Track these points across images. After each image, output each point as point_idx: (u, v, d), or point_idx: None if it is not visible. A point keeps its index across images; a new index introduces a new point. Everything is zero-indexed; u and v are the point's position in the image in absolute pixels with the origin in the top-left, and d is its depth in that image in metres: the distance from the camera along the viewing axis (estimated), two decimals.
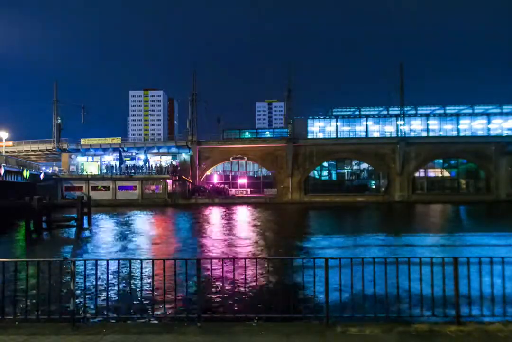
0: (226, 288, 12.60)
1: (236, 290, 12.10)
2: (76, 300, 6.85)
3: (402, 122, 65.48)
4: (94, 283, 7.66)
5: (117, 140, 67.97)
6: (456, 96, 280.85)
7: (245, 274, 7.40)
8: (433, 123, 66.79)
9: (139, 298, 10.92)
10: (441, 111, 69.01)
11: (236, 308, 9.67)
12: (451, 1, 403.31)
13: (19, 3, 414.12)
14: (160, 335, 6.20)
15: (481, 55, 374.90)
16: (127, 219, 39.28)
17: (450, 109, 68.85)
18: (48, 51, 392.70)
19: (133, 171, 61.51)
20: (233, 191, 62.67)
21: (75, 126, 76.70)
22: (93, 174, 61.82)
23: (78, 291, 9.58)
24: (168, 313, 7.36)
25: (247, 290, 11.72)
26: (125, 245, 23.32)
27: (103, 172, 63.22)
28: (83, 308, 8.46)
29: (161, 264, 6.88)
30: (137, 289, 12.08)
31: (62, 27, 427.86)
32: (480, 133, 65.49)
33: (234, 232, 29.23)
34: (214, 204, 56.91)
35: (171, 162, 65.22)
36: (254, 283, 12.66)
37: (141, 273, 8.02)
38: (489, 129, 66.16)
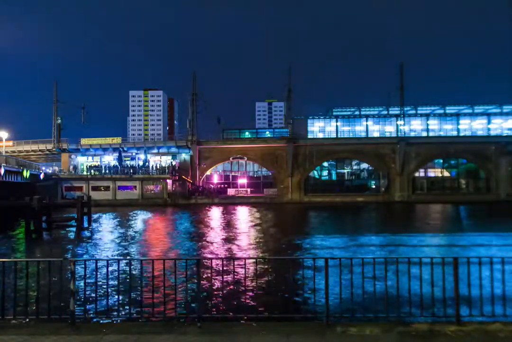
0: (226, 288, 12.59)
1: (236, 290, 12.09)
2: (76, 300, 6.83)
3: (402, 122, 65.44)
4: (94, 283, 7.65)
5: (117, 140, 67.91)
6: (456, 96, 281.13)
7: (245, 274, 7.39)
8: (433, 123, 66.75)
9: (139, 298, 10.90)
10: (441, 111, 68.96)
11: (236, 308, 9.66)
12: (452, 1, 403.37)
13: (19, 2, 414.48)
14: (160, 335, 6.19)
15: (481, 55, 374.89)
16: (127, 219, 39.27)
17: (450, 109, 68.81)
18: (48, 51, 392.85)
19: (132, 171, 61.43)
20: (233, 191, 62.64)
21: (75, 126, 76.39)
22: (93, 173, 61.70)
23: (78, 291, 9.57)
24: (168, 313, 7.35)
25: (247, 290, 11.71)
26: (125, 245, 23.31)
27: (102, 172, 63.07)
28: (83, 308, 8.44)
29: (161, 264, 6.87)
30: (137, 289, 12.05)
31: (62, 27, 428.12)
32: (480, 133, 65.43)
33: (233, 232, 29.20)
34: (214, 204, 56.91)
35: (171, 162, 65.18)
36: (254, 283, 12.66)
37: (141, 273, 8.01)
38: (489, 129, 66.13)
